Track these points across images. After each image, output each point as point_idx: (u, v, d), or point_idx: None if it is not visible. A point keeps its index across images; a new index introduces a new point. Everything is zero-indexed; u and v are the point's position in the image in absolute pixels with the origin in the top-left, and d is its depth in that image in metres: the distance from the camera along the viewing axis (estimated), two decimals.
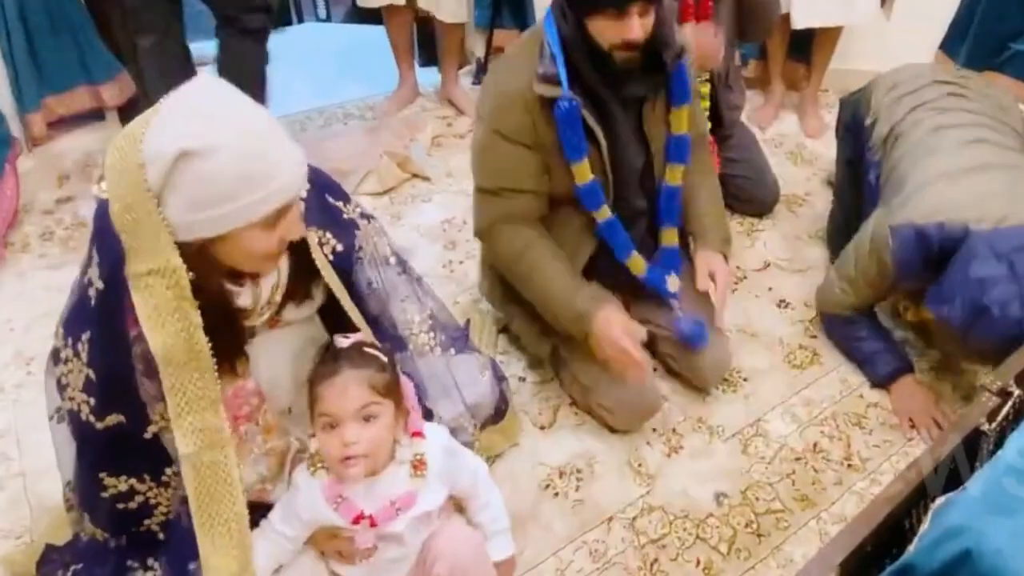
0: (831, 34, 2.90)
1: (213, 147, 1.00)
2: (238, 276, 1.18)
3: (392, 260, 1.42)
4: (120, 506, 1.26)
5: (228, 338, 1.19)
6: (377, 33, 3.73)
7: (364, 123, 3.08)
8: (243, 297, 1.19)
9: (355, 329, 1.31)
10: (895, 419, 1.87)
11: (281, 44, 3.74)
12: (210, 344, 1.13)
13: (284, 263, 1.23)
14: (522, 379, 1.95)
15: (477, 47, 3.21)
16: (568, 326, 1.67)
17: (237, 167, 1.02)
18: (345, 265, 1.30)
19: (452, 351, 1.55)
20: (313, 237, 1.25)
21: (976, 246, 1.60)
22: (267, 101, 2.52)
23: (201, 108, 1.03)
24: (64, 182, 2.64)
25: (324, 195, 1.30)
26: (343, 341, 1.25)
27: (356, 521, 1.24)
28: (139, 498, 1.26)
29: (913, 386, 1.90)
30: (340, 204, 1.32)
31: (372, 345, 1.27)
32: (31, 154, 2.60)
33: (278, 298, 1.24)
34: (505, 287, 1.86)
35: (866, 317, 1.98)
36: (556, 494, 1.68)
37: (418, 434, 1.29)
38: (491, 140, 1.65)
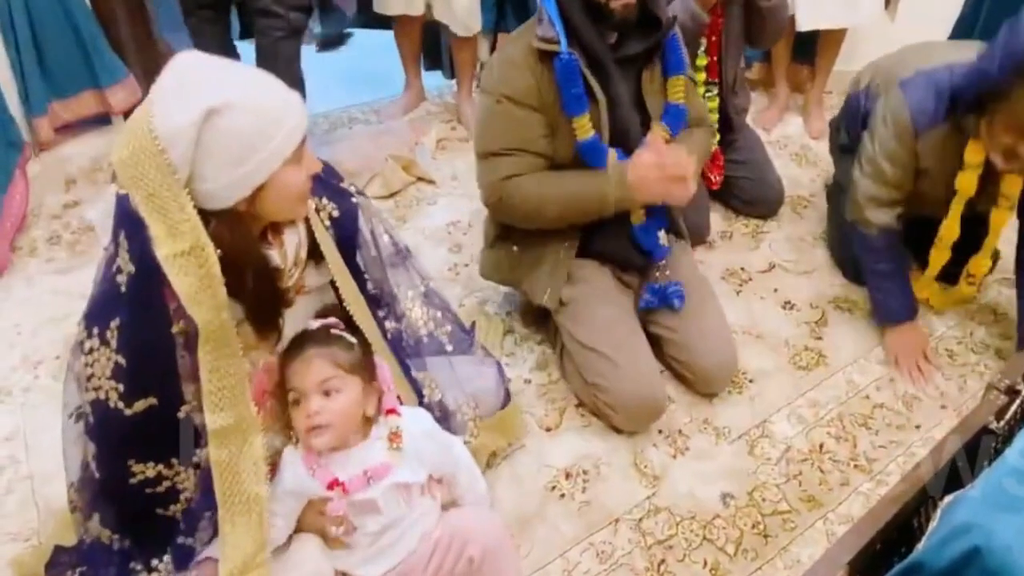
0: (835, 36, 2.90)
1: (228, 102, 1.06)
2: (264, 238, 1.23)
3: (386, 237, 1.47)
4: (148, 490, 1.27)
5: (273, 304, 1.25)
6: (382, 37, 3.76)
7: (369, 127, 3.09)
8: (275, 258, 1.24)
9: (358, 302, 1.36)
10: (901, 420, 1.87)
11: None
12: (257, 312, 1.20)
13: (301, 223, 1.28)
14: (527, 381, 1.95)
15: (482, 51, 3.21)
16: (609, 198, 1.68)
17: (258, 111, 1.09)
18: (345, 230, 1.36)
19: (448, 339, 1.58)
20: (311, 203, 1.30)
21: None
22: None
23: (195, 77, 1.09)
24: (71, 187, 2.66)
25: (320, 172, 1.35)
26: (313, 324, 1.29)
27: (331, 487, 1.27)
28: (166, 483, 1.27)
29: (912, 328, 1.93)
30: (335, 181, 1.39)
31: (339, 328, 1.32)
32: (38, 159, 2.61)
33: (303, 254, 1.29)
34: (509, 253, 1.89)
35: (892, 247, 1.97)
36: (562, 495, 1.68)
37: (392, 411, 1.33)
38: (499, 106, 1.69)
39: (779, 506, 1.66)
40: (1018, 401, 1.05)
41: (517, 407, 1.80)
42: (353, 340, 1.30)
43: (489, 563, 1.35)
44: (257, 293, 1.19)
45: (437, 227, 2.52)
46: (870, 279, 2.04)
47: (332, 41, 3.85)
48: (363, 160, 2.69)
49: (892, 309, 2.01)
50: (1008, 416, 1.05)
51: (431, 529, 1.35)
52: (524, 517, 1.62)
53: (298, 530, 1.33)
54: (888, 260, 1.99)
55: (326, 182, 1.36)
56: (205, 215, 1.11)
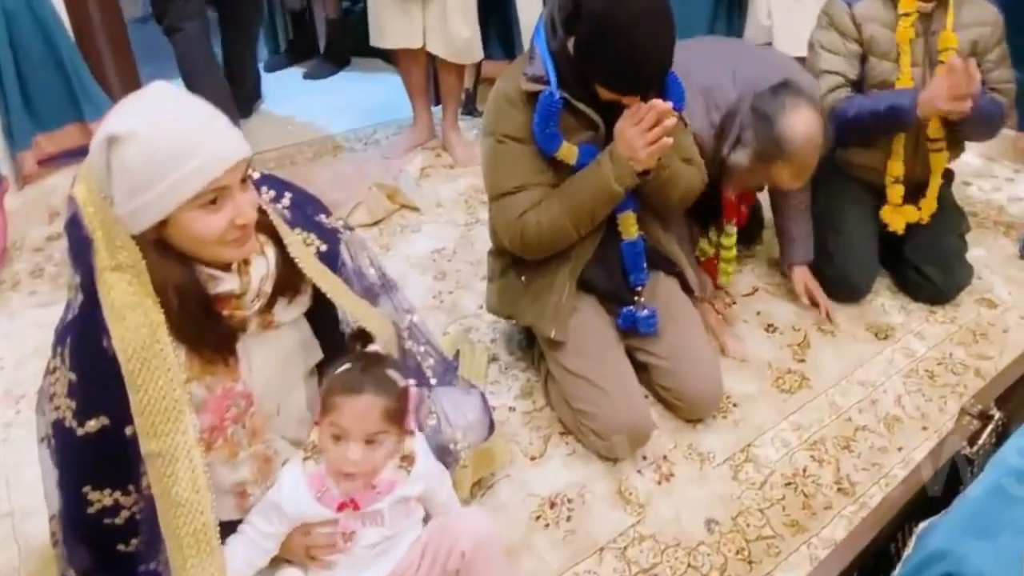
0: None
1: (132, 132, 1.06)
2: (225, 263, 1.20)
3: (372, 271, 1.46)
4: (107, 521, 1.24)
5: (209, 329, 1.20)
6: (368, 65, 3.80)
7: (353, 155, 3.11)
8: (227, 282, 1.20)
9: (340, 334, 1.37)
10: (883, 442, 1.88)
11: (272, 77, 3.80)
12: (193, 336, 1.17)
13: (271, 253, 1.25)
14: (512, 409, 1.96)
15: (466, 78, 3.24)
16: (609, 178, 1.66)
17: (156, 148, 1.07)
18: (331, 266, 1.35)
19: (431, 372, 1.56)
20: (297, 237, 1.29)
21: None
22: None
23: (132, 103, 1.12)
24: (55, 219, 2.65)
25: (304, 207, 1.35)
26: (376, 346, 1.30)
27: (341, 508, 1.28)
28: (124, 513, 1.24)
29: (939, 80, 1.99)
30: (321, 216, 1.38)
31: (395, 365, 1.32)
32: (22, 192, 2.61)
33: (268, 288, 1.25)
34: (515, 284, 1.89)
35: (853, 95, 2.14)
36: (547, 525, 1.68)
37: (410, 432, 1.34)
38: (501, 146, 1.72)
39: (763, 531, 1.67)
40: (991, 426, 1.07)
41: (502, 437, 1.80)
42: (401, 381, 1.29)
43: (480, 555, 1.36)
44: (185, 318, 1.16)
45: (422, 255, 2.53)
46: (872, 108, 2.09)
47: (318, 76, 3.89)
48: (347, 188, 2.71)
49: (904, 97, 2.05)
50: (981, 441, 1.06)
51: (417, 535, 1.37)
52: (509, 547, 1.61)
53: (282, 549, 1.31)
54: (861, 97, 2.13)
55: (312, 220, 1.35)
56: (133, 236, 1.11)
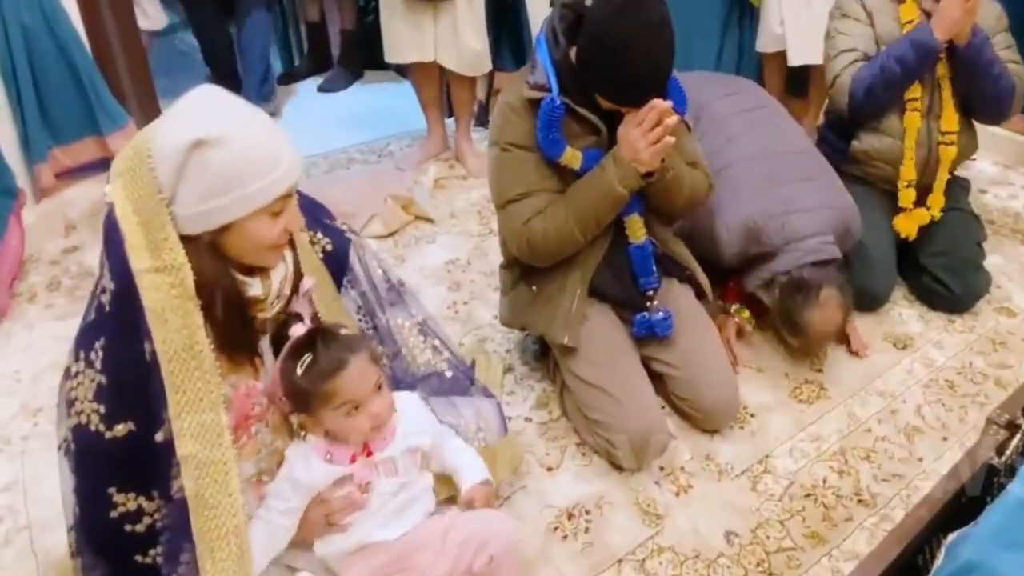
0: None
1: (221, 137, 1.09)
2: (248, 268, 1.23)
3: (379, 272, 1.50)
4: (128, 528, 1.25)
5: (243, 332, 1.25)
6: (381, 78, 3.81)
7: (368, 167, 3.12)
8: (254, 288, 1.24)
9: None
10: (903, 453, 1.86)
11: (287, 89, 3.82)
12: (226, 338, 1.20)
13: (288, 257, 1.30)
14: (528, 419, 1.95)
15: (479, 90, 3.25)
16: (613, 180, 1.66)
17: (245, 155, 1.10)
18: (338, 265, 1.40)
19: (447, 366, 1.60)
20: (304, 236, 1.34)
21: None
22: None
23: (206, 107, 1.14)
24: (71, 232, 2.67)
25: (312, 210, 1.40)
26: (300, 329, 1.29)
27: (353, 460, 1.31)
28: (147, 519, 1.25)
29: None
30: (327, 219, 1.43)
31: (338, 326, 1.35)
32: (38, 205, 2.63)
33: (287, 290, 1.30)
34: (527, 294, 1.88)
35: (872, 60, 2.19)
36: (564, 536, 1.66)
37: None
38: (505, 154, 1.72)
39: (783, 543, 1.65)
40: (1018, 435, 1.05)
41: (515, 442, 1.78)
42: (354, 331, 1.37)
43: (507, 560, 1.38)
44: (225, 320, 1.19)
45: (436, 266, 2.53)
46: (894, 58, 2.13)
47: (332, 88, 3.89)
48: (362, 201, 2.71)
49: (920, 34, 2.11)
50: (1009, 451, 1.05)
51: (432, 508, 1.40)
52: (527, 559, 1.60)
53: (302, 526, 1.32)
54: (878, 54, 2.18)
55: (319, 219, 1.40)
56: (182, 238, 1.14)
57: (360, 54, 3.86)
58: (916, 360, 2.14)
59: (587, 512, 1.71)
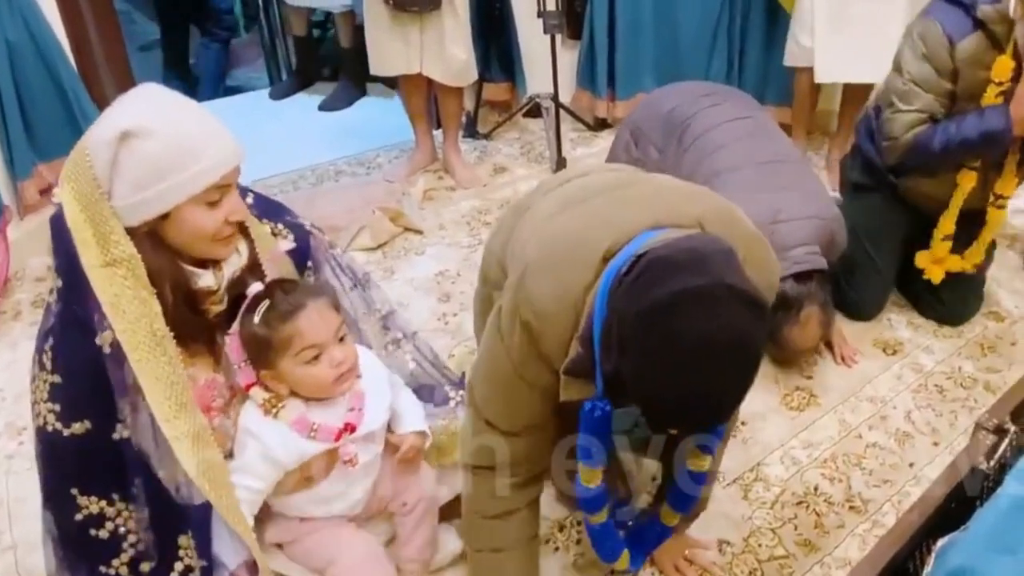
0: (859, 91, 2.79)
1: (148, 128, 1.11)
2: (201, 260, 1.24)
3: (343, 263, 1.50)
4: (92, 532, 1.25)
5: (194, 321, 1.25)
6: (371, 90, 3.80)
7: (356, 179, 3.11)
8: (205, 278, 1.25)
9: None
10: (894, 458, 1.86)
11: (270, 104, 3.81)
12: (178, 329, 1.21)
13: (243, 249, 1.30)
14: None
15: (467, 101, 3.26)
16: None
17: (172, 144, 1.12)
18: (302, 258, 1.41)
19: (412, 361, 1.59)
20: (265, 228, 1.35)
21: None
22: None
23: (138, 101, 1.17)
24: None
25: (269, 204, 1.42)
26: (258, 287, 1.28)
27: (338, 438, 1.31)
28: (109, 525, 1.25)
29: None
30: (288, 216, 1.44)
31: (296, 280, 1.36)
32: (23, 221, 2.61)
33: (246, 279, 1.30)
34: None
35: (938, 124, 1.96)
36: (556, 548, 1.65)
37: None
38: (513, 380, 1.26)
39: (775, 551, 1.64)
40: (1007, 440, 1.05)
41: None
42: (315, 283, 1.38)
43: (419, 509, 1.45)
44: (175, 310, 1.20)
45: (426, 277, 2.52)
46: (961, 138, 1.92)
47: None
48: (350, 213, 2.71)
49: (996, 118, 1.89)
50: (998, 455, 1.05)
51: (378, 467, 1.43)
52: None
53: (279, 488, 1.34)
54: (945, 125, 1.95)
55: (279, 214, 1.42)
56: (127, 230, 1.15)
57: (362, 71, 3.82)
58: (906, 366, 2.14)
59: (579, 524, 1.70)
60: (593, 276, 1.14)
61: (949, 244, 2.13)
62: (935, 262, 2.16)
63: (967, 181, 2.02)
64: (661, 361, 1.01)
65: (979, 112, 1.91)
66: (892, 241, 2.23)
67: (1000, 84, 1.88)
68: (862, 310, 2.28)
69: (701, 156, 2.05)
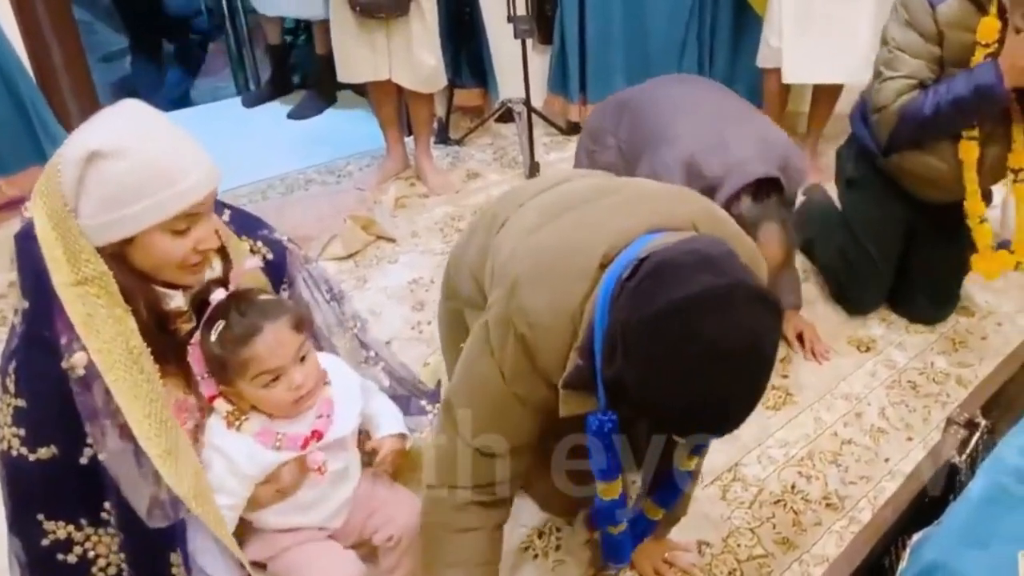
0: (828, 91, 2.79)
1: (119, 149, 1.07)
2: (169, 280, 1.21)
3: (314, 276, 1.46)
4: (60, 557, 1.22)
5: (165, 341, 1.21)
6: (341, 99, 3.78)
7: (327, 188, 3.08)
8: (176, 299, 1.22)
9: None
10: (869, 455, 1.87)
11: (241, 112, 3.78)
12: (156, 348, 1.17)
13: (217, 267, 1.26)
14: None
15: (438, 107, 3.25)
16: None
17: (143, 168, 1.08)
18: (278, 274, 1.38)
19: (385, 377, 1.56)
20: (244, 245, 1.32)
21: None
22: None
23: (112, 119, 1.13)
24: None
25: (246, 220, 1.38)
26: (221, 294, 1.24)
27: (305, 445, 1.27)
28: (77, 549, 1.22)
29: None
30: (265, 231, 1.40)
31: (258, 291, 1.29)
32: None
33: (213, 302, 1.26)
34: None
35: (928, 89, 1.90)
36: (536, 555, 1.64)
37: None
38: (503, 397, 1.22)
39: (754, 551, 1.64)
40: (978, 434, 1.06)
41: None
42: (277, 296, 1.32)
43: (405, 541, 1.39)
44: (144, 331, 1.16)
45: (399, 285, 2.50)
46: (951, 98, 1.86)
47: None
48: (321, 222, 2.68)
49: (984, 73, 1.82)
50: (969, 449, 1.05)
51: (359, 476, 1.39)
52: None
53: (251, 503, 1.30)
54: (935, 88, 1.89)
55: (255, 230, 1.38)
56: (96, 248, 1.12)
57: (334, 79, 3.80)
58: (879, 362, 2.16)
59: (558, 530, 1.69)
60: (590, 284, 1.11)
61: (990, 229, 2.00)
62: (986, 259, 2.03)
63: (969, 153, 1.92)
64: (674, 365, 0.97)
65: (968, 71, 1.85)
66: (890, 235, 2.20)
67: (987, 46, 1.83)
68: (861, 305, 2.28)
69: (652, 107, 1.96)
